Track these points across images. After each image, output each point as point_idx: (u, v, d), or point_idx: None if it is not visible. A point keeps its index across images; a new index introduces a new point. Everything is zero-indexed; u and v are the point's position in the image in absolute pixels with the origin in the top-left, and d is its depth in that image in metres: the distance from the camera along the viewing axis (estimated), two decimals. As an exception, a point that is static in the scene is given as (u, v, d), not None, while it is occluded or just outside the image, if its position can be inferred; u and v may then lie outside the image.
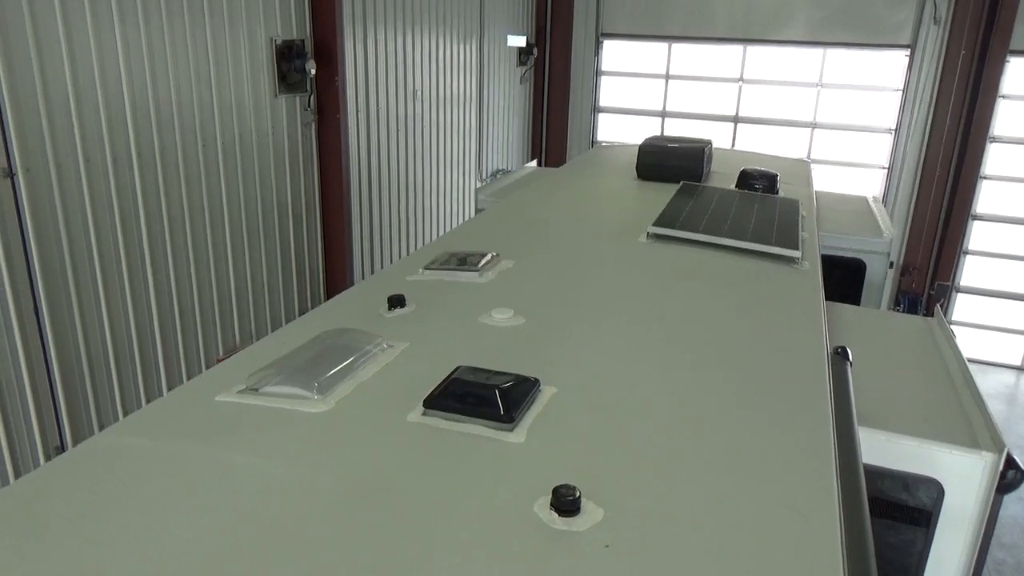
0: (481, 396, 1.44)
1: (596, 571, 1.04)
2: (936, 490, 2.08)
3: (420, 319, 1.99)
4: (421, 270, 2.36)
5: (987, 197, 11.30)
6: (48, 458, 4.50)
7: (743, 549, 1.10)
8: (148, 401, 5.35)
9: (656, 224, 2.89)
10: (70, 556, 1.07)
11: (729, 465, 1.32)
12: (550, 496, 1.17)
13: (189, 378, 5.85)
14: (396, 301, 2.05)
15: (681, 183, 3.74)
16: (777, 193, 3.81)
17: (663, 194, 3.56)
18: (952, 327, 3.07)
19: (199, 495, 1.21)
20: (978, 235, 11.48)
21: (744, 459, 1.35)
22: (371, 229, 8.13)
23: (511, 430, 1.39)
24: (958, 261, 11.35)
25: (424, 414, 1.45)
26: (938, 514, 2.09)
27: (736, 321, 2.08)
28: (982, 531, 2.08)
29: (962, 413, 2.23)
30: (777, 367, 1.79)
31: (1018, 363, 11.88)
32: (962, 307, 11.73)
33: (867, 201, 4.62)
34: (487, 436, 1.38)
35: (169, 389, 5.47)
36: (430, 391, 1.49)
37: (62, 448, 4.61)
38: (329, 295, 7.25)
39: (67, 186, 4.52)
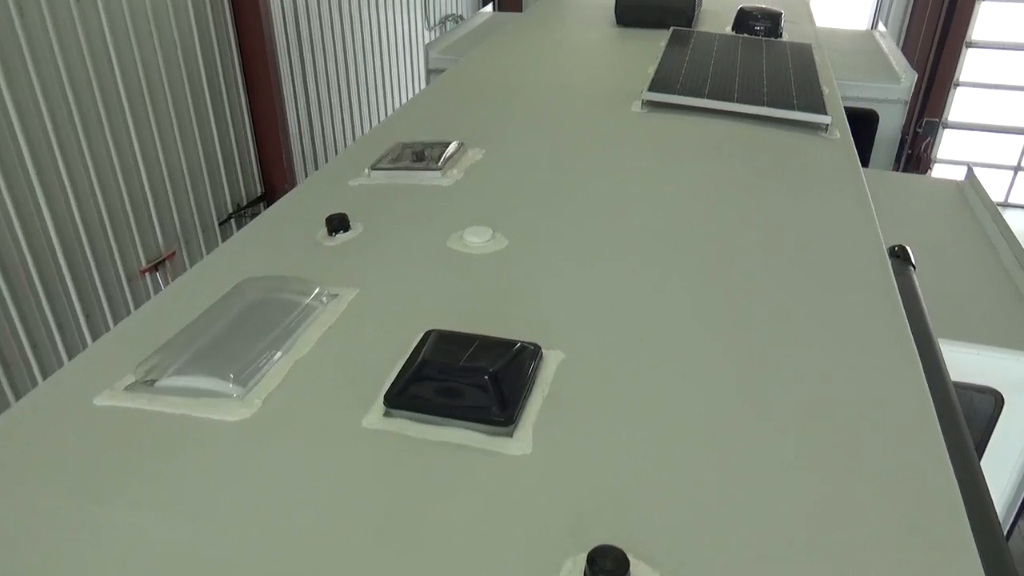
0: (465, 386, 1.02)
1: None
2: (994, 401, 1.79)
3: (371, 247, 1.53)
4: (367, 171, 1.87)
5: (984, 22, 10.54)
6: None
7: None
8: (82, 328, 4.75)
9: (652, 88, 2.38)
10: None
11: (818, 456, 0.96)
12: (584, 564, 0.80)
13: (110, 302, 5.08)
14: (337, 223, 1.58)
15: (671, 29, 3.16)
16: (781, 36, 3.26)
17: (650, 44, 3.00)
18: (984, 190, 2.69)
19: None
20: (971, 65, 10.82)
21: (836, 450, 0.99)
22: (307, 100, 7.17)
23: (511, 434, 1.00)
24: (949, 94, 10.78)
25: (386, 414, 1.04)
26: (993, 426, 1.82)
27: (772, 219, 1.66)
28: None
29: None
30: (835, 281, 1.40)
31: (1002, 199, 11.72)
32: (948, 144, 11.27)
33: (874, 37, 4.07)
34: (477, 447, 0.98)
35: (87, 318, 4.78)
36: (393, 378, 1.07)
37: None
38: (267, 183, 6.51)
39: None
